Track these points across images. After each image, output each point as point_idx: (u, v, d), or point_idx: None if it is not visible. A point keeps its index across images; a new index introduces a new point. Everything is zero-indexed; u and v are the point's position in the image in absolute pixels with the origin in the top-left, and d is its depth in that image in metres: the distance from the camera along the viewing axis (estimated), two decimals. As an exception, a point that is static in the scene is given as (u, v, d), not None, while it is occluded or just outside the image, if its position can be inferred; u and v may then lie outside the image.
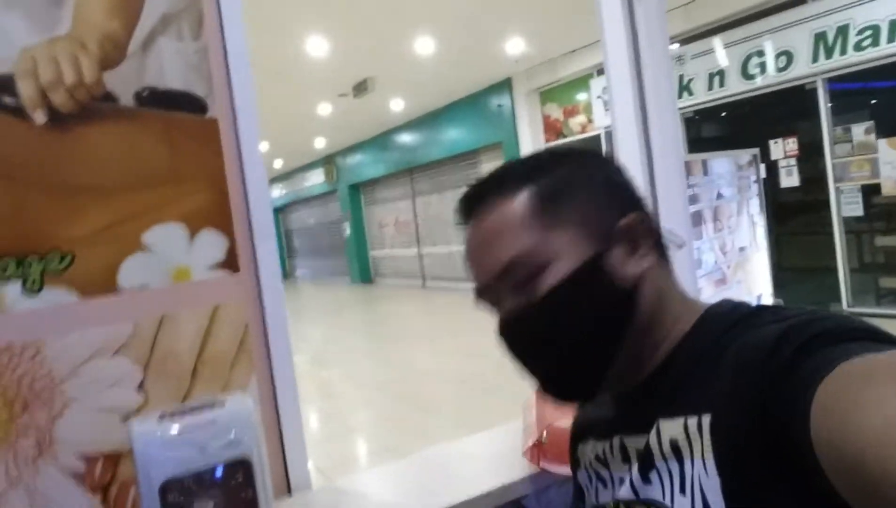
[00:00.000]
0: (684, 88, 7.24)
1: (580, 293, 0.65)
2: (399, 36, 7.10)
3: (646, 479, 0.65)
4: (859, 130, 5.91)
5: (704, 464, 0.57)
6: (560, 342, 0.67)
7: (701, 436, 0.58)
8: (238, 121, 1.22)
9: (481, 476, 1.18)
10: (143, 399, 1.13)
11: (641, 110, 1.56)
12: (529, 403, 1.27)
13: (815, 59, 6.05)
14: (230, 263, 1.22)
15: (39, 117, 1.05)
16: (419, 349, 7.94)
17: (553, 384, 0.72)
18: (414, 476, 1.28)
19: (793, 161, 6.41)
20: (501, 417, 1.44)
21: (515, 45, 8.07)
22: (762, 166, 4.61)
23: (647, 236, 0.69)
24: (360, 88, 9.01)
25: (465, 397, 5.42)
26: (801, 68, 6.17)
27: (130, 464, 0.95)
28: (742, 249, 3.97)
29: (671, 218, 1.56)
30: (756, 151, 4.35)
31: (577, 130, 9.24)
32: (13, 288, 1.04)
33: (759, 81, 6.58)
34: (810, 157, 6.29)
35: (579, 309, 0.66)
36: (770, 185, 6.08)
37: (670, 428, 0.62)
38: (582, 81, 8.95)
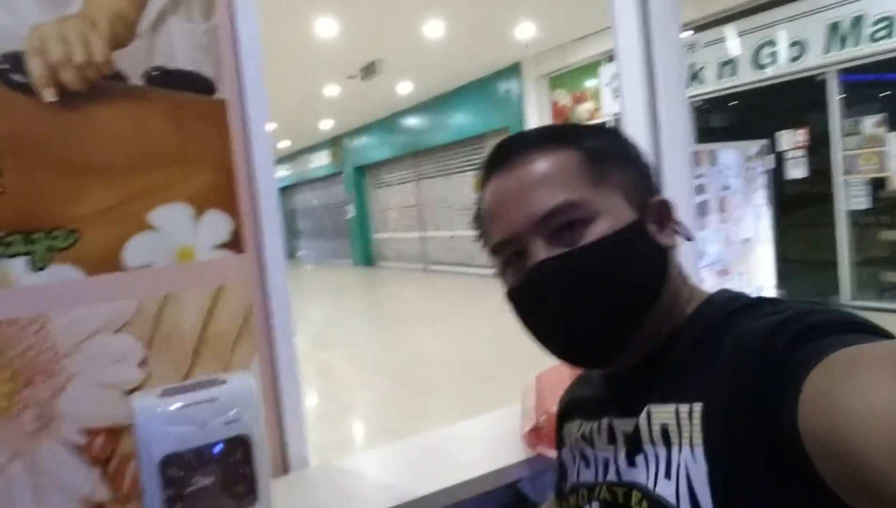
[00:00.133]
0: (694, 76, 7.19)
1: (626, 250, 0.66)
2: (409, 18, 7.05)
3: (631, 462, 0.66)
4: (869, 123, 5.87)
5: (693, 451, 0.58)
6: (598, 293, 0.66)
7: (691, 424, 0.58)
8: (246, 103, 1.23)
9: (478, 460, 1.19)
10: (146, 376, 1.15)
11: (651, 98, 1.56)
12: (529, 388, 1.28)
13: (827, 49, 6.00)
14: (235, 244, 1.23)
15: (48, 95, 1.06)
16: (420, 331, 7.96)
17: (577, 340, 0.69)
18: (411, 457, 1.30)
19: (800, 153, 6.37)
20: (499, 401, 1.45)
21: (526, 30, 7.99)
22: (769, 158, 4.59)
23: (670, 219, 0.72)
24: (369, 70, 8.97)
25: (464, 380, 5.44)
26: (814, 59, 6.12)
27: (131, 439, 0.96)
28: (746, 240, 3.96)
29: (677, 207, 1.56)
30: (765, 142, 4.32)
31: (584, 117, 9.19)
32: (19, 264, 1.05)
33: (770, 71, 6.53)
34: (818, 149, 6.25)
35: (624, 264, 0.66)
36: (776, 176, 6.05)
37: (661, 414, 0.63)
38: (591, 68, 8.89)
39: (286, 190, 21.13)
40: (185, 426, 0.96)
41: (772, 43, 6.46)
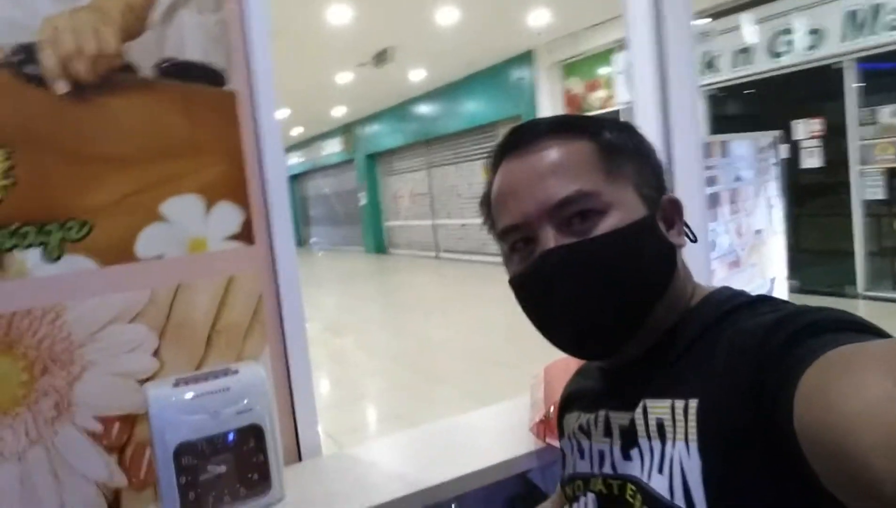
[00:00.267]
0: (709, 64, 7.11)
1: (637, 244, 0.67)
2: (422, 5, 7.00)
3: (626, 456, 0.66)
4: (886, 113, 5.79)
5: (687, 447, 0.58)
6: (607, 285, 0.66)
7: (686, 419, 0.59)
8: (256, 94, 1.23)
9: (488, 450, 1.20)
10: (159, 365, 1.16)
11: (662, 87, 1.55)
12: (538, 379, 1.28)
13: (844, 38, 5.91)
14: (245, 235, 1.24)
15: (61, 87, 1.07)
16: (431, 319, 7.98)
17: (583, 332, 0.68)
18: (422, 446, 1.31)
19: (815, 142, 6.30)
20: (509, 389, 1.46)
21: (539, 17, 7.93)
22: (783, 147, 4.54)
23: (680, 219, 0.73)
24: (381, 57, 8.94)
25: (475, 368, 5.46)
26: (830, 47, 6.03)
27: (146, 427, 0.98)
28: (758, 231, 3.93)
29: (687, 199, 1.55)
30: (777, 133, 4.27)
31: (597, 105, 9.12)
32: (34, 254, 1.06)
33: (785, 60, 6.44)
34: (833, 138, 6.18)
35: (635, 258, 0.67)
36: (791, 166, 5.99)
37: (657, 409, 0.63)
38: (604, 56, 8.81)
39: (298, 177, 21.18)
40: (199, 415, 0.97)
41: (788, 31, 6.37)
